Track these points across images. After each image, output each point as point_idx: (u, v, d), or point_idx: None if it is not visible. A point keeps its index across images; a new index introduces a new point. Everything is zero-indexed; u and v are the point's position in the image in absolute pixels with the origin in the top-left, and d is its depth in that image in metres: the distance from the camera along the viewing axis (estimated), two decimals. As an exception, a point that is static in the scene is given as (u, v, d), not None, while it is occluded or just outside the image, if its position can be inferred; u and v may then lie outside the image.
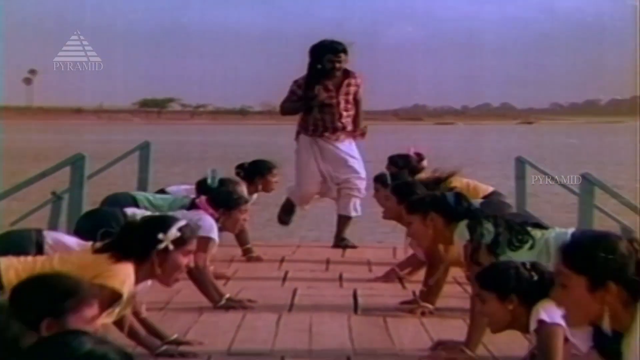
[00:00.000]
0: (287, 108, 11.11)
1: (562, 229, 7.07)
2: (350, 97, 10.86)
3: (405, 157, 9.78)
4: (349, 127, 10.96)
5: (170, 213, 7.13)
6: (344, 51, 10.71)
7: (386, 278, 8.32)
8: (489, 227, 6.22)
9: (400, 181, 8.94)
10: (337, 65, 10.64)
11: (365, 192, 10.93)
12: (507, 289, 5.16)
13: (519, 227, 6.38)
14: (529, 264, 5.43)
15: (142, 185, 10.68)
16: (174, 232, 5.42)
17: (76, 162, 9.51)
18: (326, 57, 10.60)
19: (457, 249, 6.25)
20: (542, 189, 11.34)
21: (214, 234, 7.22)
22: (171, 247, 5.40)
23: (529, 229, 6.50)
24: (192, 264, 5.92)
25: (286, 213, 11.26)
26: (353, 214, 11.06)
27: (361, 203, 10.92)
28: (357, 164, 11.06)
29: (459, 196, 6.84)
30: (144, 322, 6.20)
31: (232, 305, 7.53)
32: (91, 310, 4.00)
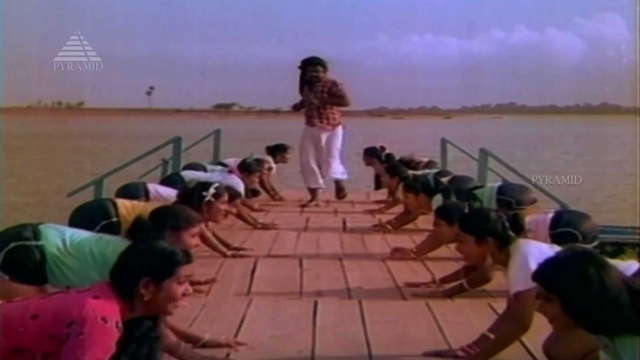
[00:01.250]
0: (295, 107, 9.76)
1: (491, 184, 7.18)
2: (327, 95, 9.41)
3: (374, 149, 9.84)
4: (332, 121, 9.46)
5: (218, 175, 7.53)
6: (319, 64, 9.40)
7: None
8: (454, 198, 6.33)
9: (393, 163, 9.16)
10: (314, 74, 9.31)
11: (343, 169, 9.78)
12: (454, 216, 5.17)
13: (471, 194, 6.46)
14: (470, 201, 5.89)
15: (215, 156, 10.66)
16: (212, 190, 5.50)
17: (176, 141, 9.50)
18: (308, 68, 9.36)
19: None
20: (456, 157, 11.26)
21: (240, 188, 7.16)
22: (212, 199, 5.46)
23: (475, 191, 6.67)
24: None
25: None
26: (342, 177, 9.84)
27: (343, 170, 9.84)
28: (335, 148, 9.59)
29: (437, 179, 6.92)
30: (218, 238, 6.27)
31: (268, 227, 7.62)
32: (195, 231, 4.13)
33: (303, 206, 9.39)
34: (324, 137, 9.56)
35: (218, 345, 3.81)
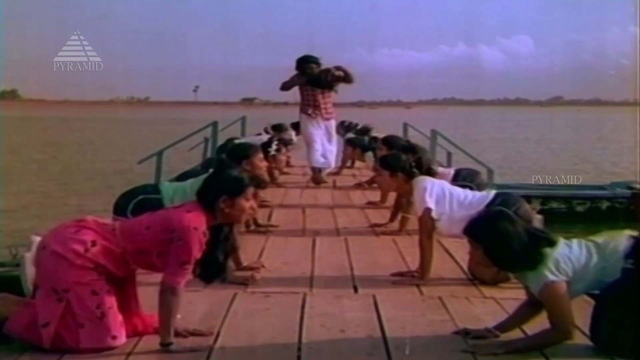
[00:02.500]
0: (286, 85, 7.63)
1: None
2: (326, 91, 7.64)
3: (350, 123, 9.79)
4: (330, 111, 7.70)
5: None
6: (314, 62, 7.48)
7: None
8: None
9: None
10: (309, 70, 7.41)
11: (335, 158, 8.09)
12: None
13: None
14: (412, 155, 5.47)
15: (242, 135, 10.55)
16: (274, 147, 5.59)
17: (214, 125, 9.37)
18: (305, 65, 7.42)
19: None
20: (414, 136, 11.15)
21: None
22: (275, 152, 5.65)
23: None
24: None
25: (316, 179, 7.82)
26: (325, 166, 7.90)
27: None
28: (333, 138, 7.85)
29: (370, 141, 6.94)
30: None
31: (280, 185, 7.49)
32: (261, 156, 4.45)
33: (317, 183, 7.76)
34: (326, 126, 7.77)
35: (251, 268, 3.80)
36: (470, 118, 62.96)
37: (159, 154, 7.82)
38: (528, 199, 9.19)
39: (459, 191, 3.80)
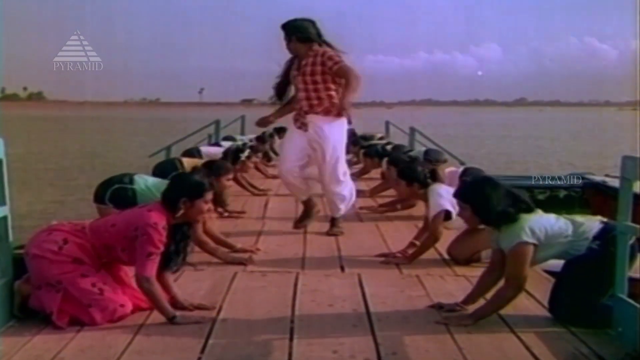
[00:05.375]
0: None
1: (418, 149, 7.14)
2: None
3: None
4: (326, 105, 4.16)
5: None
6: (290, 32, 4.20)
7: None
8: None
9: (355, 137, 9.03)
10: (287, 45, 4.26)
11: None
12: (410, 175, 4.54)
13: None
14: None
15: (241, 132, 10.57)
16: (246, 153, 5.50)
17: (216, 123, 9.41)
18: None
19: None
20: (395, 133, 11.16)
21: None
22: (245, 159, 5.57)
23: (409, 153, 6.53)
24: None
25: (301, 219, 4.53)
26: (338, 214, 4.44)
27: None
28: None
29: (384, 148, 6.91)
30: (249, 182, 6.28)
31: (276, 176, 7.41)
32: (230, 176, 4.20)
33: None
34: (319, 135, 4.21)
35: (245, 250, 3.77)
36: (445, 117, 63.13)
37: (168, 149, 7.84)
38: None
39: None
